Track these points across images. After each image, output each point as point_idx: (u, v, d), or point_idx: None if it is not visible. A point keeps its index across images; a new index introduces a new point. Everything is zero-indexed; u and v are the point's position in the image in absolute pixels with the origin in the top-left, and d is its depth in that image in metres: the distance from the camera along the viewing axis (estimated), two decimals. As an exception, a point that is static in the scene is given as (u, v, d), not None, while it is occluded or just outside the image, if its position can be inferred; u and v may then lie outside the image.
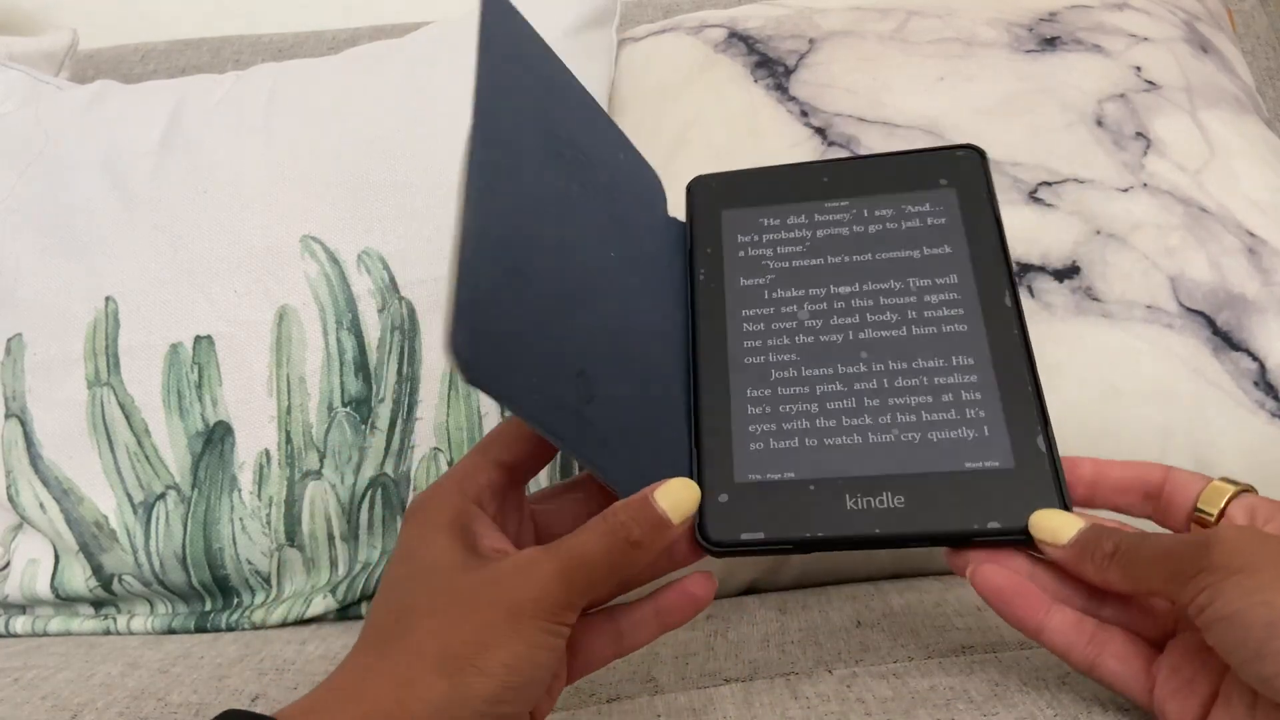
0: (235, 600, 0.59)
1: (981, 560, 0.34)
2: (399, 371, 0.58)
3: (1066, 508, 0.34)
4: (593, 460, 0.33)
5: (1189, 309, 0.52)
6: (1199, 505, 0.33)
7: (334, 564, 0.58)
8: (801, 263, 0.41)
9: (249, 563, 0.57)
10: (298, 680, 0.47)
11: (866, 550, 0.36)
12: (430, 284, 0.59)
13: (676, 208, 0.46)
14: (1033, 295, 0.53)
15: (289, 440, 0.57)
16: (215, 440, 0.57)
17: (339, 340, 0.58)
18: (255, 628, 0.58)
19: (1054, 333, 0.52)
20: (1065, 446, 0.36)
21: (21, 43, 0.81)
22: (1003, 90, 0.62)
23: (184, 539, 0.57)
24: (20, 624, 0.60)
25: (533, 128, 0.36)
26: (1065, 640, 0.33)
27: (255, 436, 0.57)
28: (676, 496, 0.32)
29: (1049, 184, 0.57)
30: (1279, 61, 0.88)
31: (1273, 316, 0.52)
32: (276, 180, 0.62)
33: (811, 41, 0.68)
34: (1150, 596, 0.34)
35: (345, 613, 0.58)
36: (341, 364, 0.58)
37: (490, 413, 0.58)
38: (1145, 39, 0.65)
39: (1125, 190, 0.56)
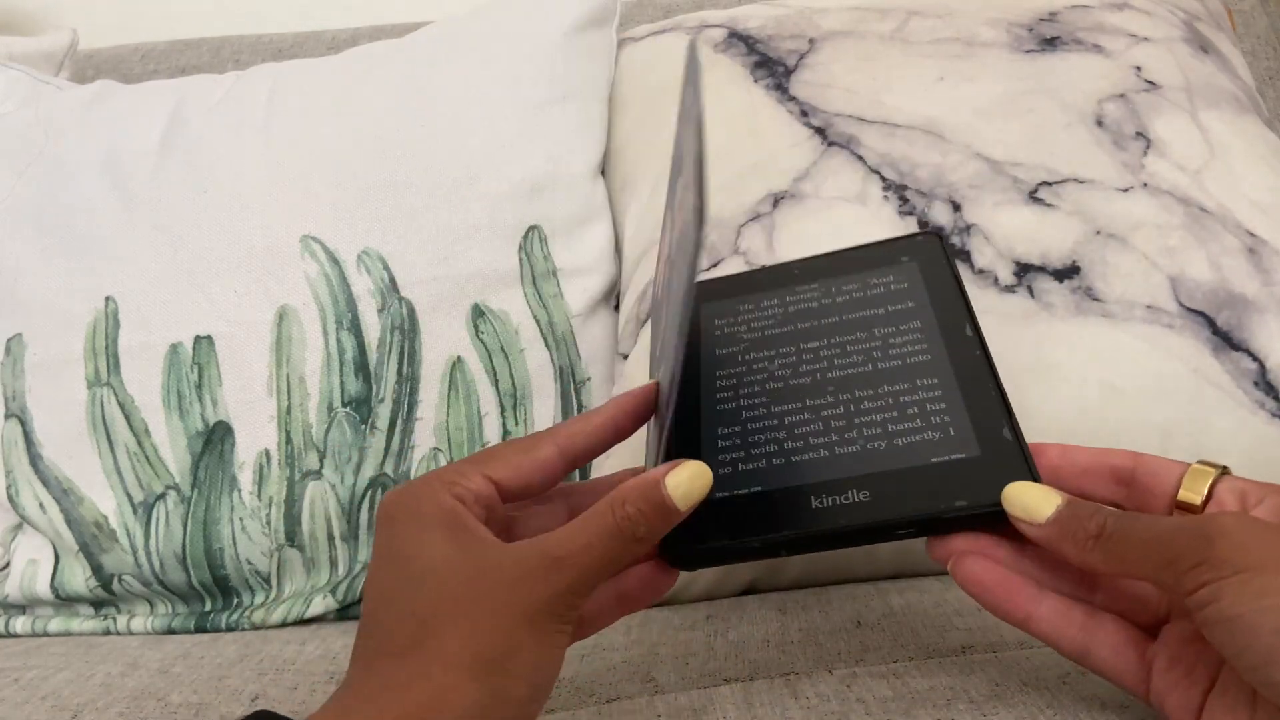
0: (235, 600, 0.59)
1: (963, 552, 0.33)
2: (399, 371, 0.58)
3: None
4: None
5: (1189, 309, 0.52)
6: (1183, 491, 0.32)
7: (334, 564, 0.58)
8: (773, 330, 0.43)
9: (249, 563, 0.57)
10: (297, 680, 0.47)
11: (836, 549, 0.35)
12: (430, 284, 0.59)
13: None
14: (1033, 295, 0.53)
15: (289, 440, 0.57)
16: (215, 440, 0.57)
17: (339, 340, 0.58)
18: (255, 628, 0.58)
19: (1054, 332, 0.52)
20: (1063, 447, 0.36)
21: (21, 43, 0.81)
22: (1003, 90, 0.62)
23: (184, 539, 0.57)
24: (20, 624, 0.60)
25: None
26: (1054, 628, 0.32)
27: (255, 436, 0.57)
28: (689, 485, 0.32)
29: (1049, 184, 0.57)
30: (1279, 61, 0.88)
31: (1273, 316, 0.51)
32: (276, 180, 0.62)
33: (811, 41, 0.68)
34: (1133, 580, 0.33)
35: (345, 613, 0.58)
36: (341, 364, 0.58)
37: (490, 413, 0.58)
38: (1145, 39, 0.65)
39: (1125, 190, 0.56)
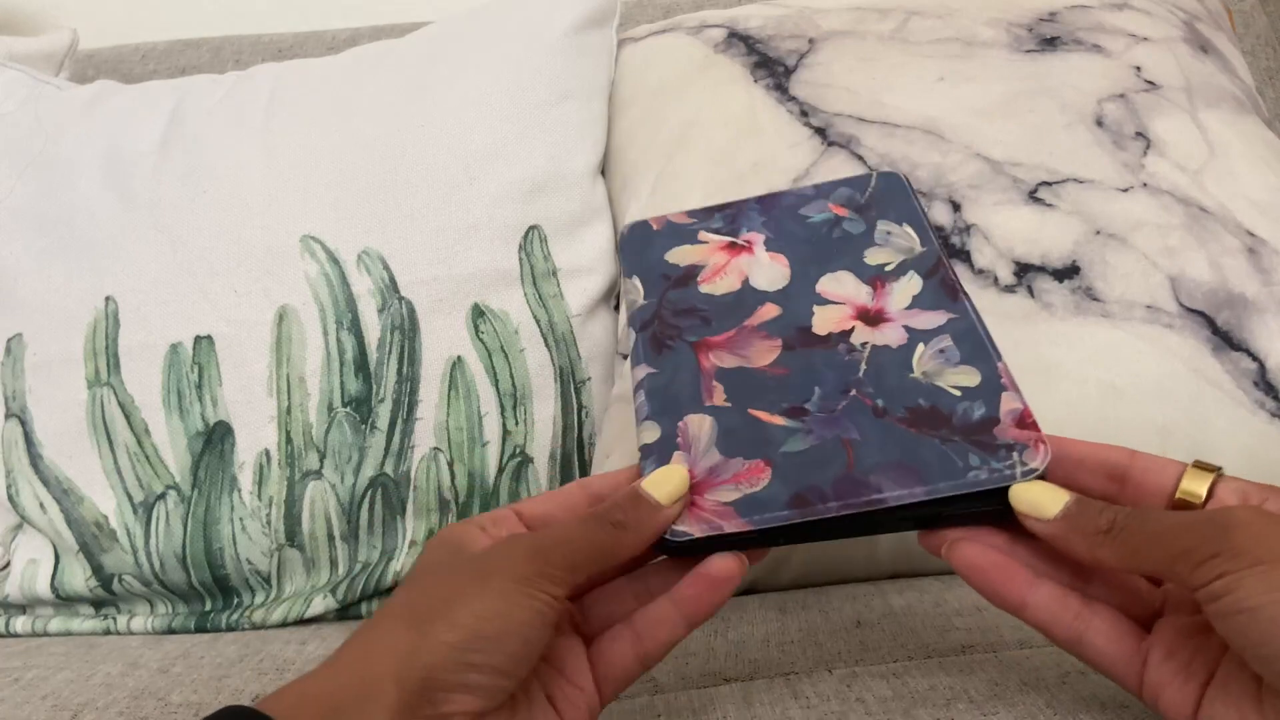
0: (235, 600, 0.59)
1: (958, 537, 0.33)
2: (399, 371, 0.58)
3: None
4: None
5: (1189, 309, 0.52)
6: (1181, 489, 0.32)
7: (334, 564, 0.58)
8: None
9: (249, 562, 0.57)
10: (298, 680, 0.47)
11: (834, 540, 0.35)
12: (430, 284, 0.59)
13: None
14: (1033, 295, 0.53)
15: (289, 440, 0.57)
16: (215, 440, 0.57)
17: (339, 340, 0.58)
18: (255, 628, 0.58)
19: (1054, 332, 0.52)
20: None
21: (21, 43, 0.81)
22: (1002, 90, 0.62)
23: (184, 539, 0.57)
24: (20, 624, 0.60)
25: None
26: (1050, 614, 0.32)
27: (255, 436, 0.57)
28: (665, 486, 0.34)
29: (1049, 184, 0.57)
30: (1279, 61, 0.88)
31: (1273, 316, 0.52)
32: (276, 180, 0.62)
33: (811, 41, 0.68)
34: (1142, 575, 0.33)
35: (345, 613, 0.58)
36: (341, 364, 0.58)
37: (490, 413, 0.58)
38: (1145, 39, 0.65)
39: (1125, 190, 0.56)
